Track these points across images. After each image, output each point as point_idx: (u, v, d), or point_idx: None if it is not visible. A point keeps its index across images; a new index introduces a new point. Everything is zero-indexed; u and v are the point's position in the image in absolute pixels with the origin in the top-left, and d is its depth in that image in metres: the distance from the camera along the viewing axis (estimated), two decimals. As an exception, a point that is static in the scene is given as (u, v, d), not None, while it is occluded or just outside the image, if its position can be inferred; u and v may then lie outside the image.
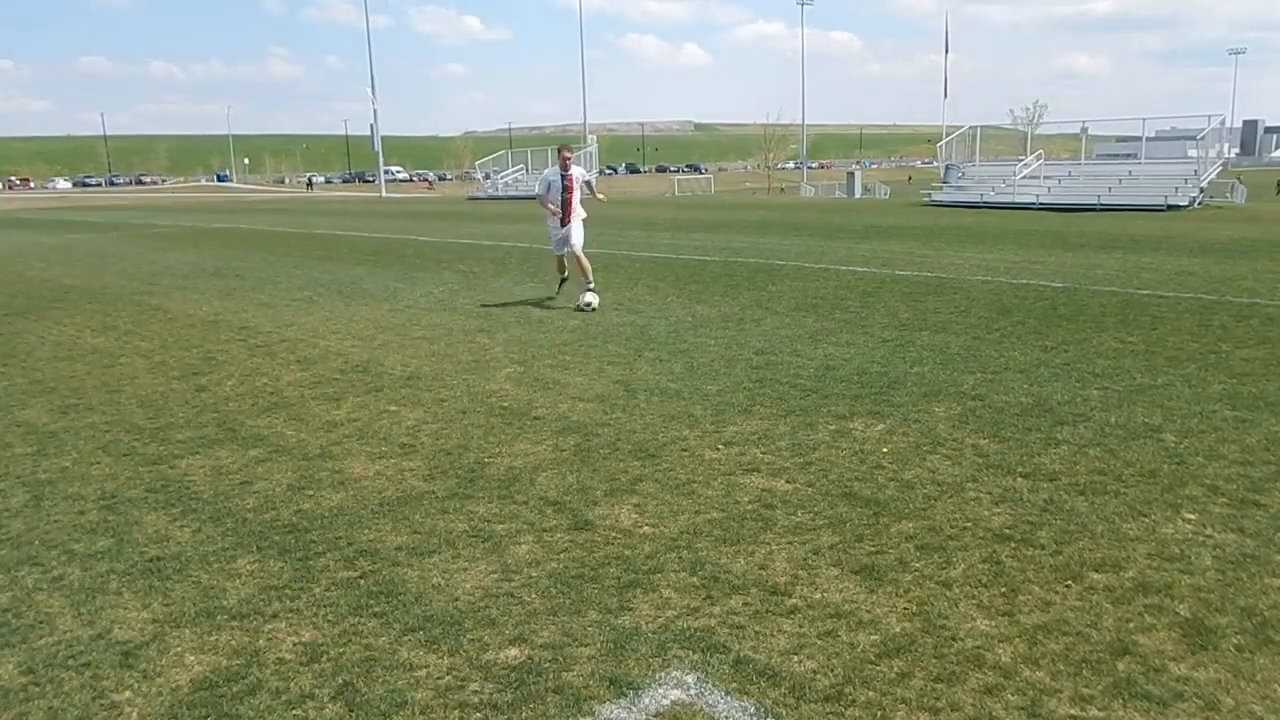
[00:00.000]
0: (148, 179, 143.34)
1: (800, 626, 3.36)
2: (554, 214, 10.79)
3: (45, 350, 9.14)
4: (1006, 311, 9.80)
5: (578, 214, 10.80)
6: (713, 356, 7.91)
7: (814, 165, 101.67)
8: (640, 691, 3.00)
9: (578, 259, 10.68)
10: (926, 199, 35.36)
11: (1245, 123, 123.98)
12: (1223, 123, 30.65)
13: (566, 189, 10.73)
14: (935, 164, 44.46)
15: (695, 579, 3.77)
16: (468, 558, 4.04)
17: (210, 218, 36.72)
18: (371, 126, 67.36)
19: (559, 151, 10.79)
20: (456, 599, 3.66)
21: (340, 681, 3.11)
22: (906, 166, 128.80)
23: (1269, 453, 5.09)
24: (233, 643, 3.38)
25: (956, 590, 3.60)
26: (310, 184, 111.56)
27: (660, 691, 2.99)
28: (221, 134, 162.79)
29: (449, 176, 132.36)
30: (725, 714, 2.87)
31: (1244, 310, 9.60)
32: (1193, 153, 30.33)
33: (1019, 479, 4.79)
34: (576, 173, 10.96)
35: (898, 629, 3.33)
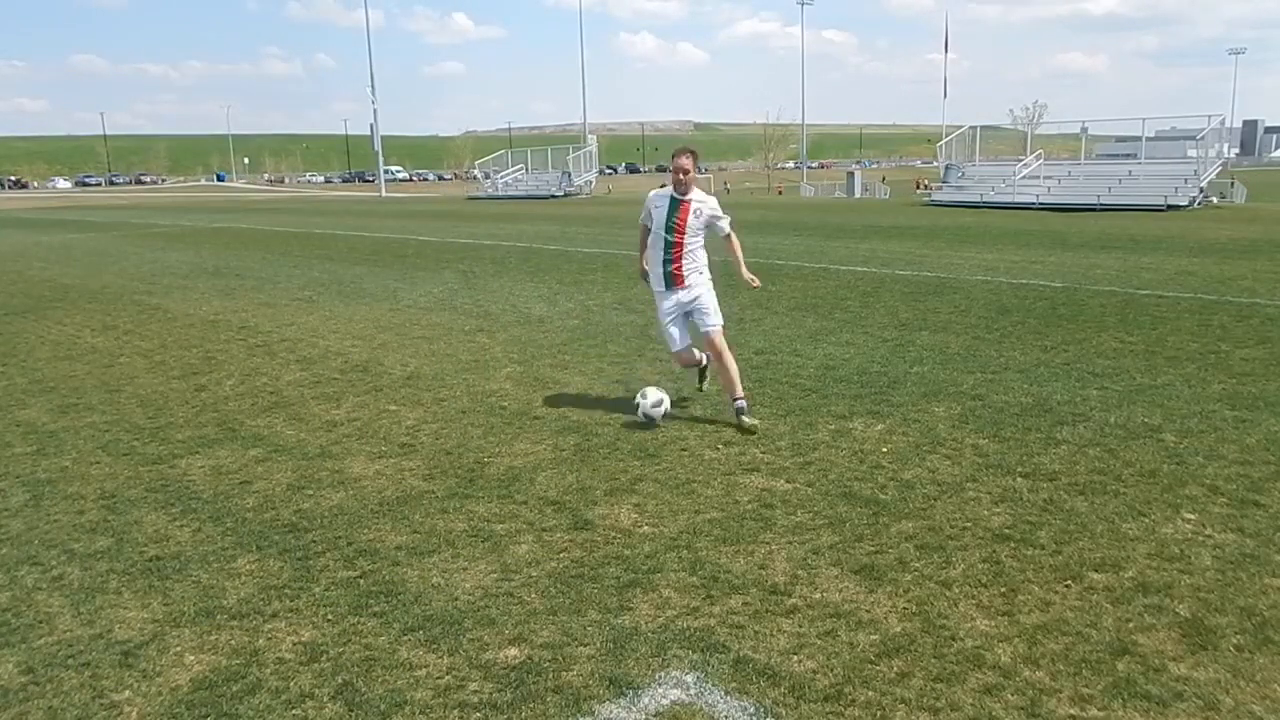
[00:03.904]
0: (147, 178, 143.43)
1: (800, 626, 3.36)
2: (648, 270, 6.17)
3: (45, 350, 9.14)
4: (1006, 311, 9.80)
5: (696, 267, 5.99)
6: (713, 356, 7.90)
7: (814, 165, 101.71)
8: (640, 691, 3.00)
9: (719, 352, 5.95)
10: (926, 199, 35.36)
11: (1245, 123, 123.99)
12: (1222, 123, 30.64)
13: (675, 227, 5.88)
14: (935, 164, 44.47)
15: (695, 579, 3.77)
16: (468, 557, 4.05)
17: (210, 217, 36.73)
18: (371, 126, 67.31)
19: (675, 156, 5.89)
20: (456, 599, 3.66)
21: (340, 681, 3.11)
22: (907, 166, 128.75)
23: (1269, 453, 5.09)
24: (232, 642, 3.38)
25: (956, 590, 3.60)
26: (328, 181, 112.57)
27: (660, 691, 2.99)
28: (220, 133, 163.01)
29: (448, 177, 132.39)
30: (725, 714, 2.87)
31: (1244, 310, 9.60)
32: (1192, 153, 30.30)
33: (1019, 479, 4.79)
34: (699, 200, 5.93)
35: (897, 629, 3.33)
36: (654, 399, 5.84)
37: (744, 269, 6.21)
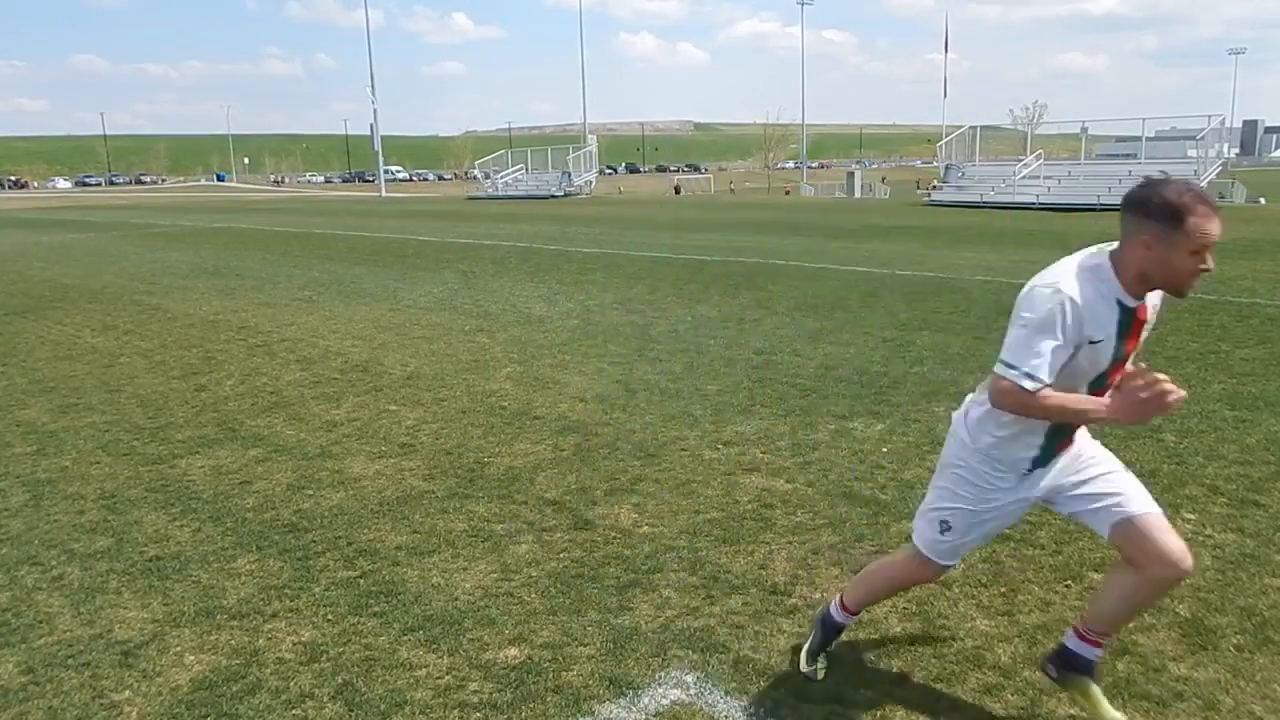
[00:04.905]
0: (147, 178, 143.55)
1: (800, 626, 3.36)
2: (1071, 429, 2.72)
3: (45, 350, 9.14)
4: (1006, 311, 9.73)
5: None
6: (713, 356, 7.91)
7: (814, 165, 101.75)
8: (640, 691, 3.00)
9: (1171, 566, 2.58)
10: (926, 199, 35.38)
11: (1245, 123, 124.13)
12: (1222, 123, 30.66)
13: (1118, 364, 2.63)
14: (935, 164, 44.50)
15: (695, 579, 3.77)
16: (468, 557, 4.05)
17: (210, 217, 36.73)
18: (371, 126, 67.30)
19: (1191, 213, 2.32)
20: (456, 599, 3.66)
21: (340, 681, 3.11)
22: (907, 166, 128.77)
23: (1269, 453, 5.09)
24: (232, 642, 3.38)
25: (956, 590, 3.60)
26: (328, 181, 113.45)
27: (660, 691, 2.99)
28: (220, 134, 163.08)
29: (448, 177, 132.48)
30: (725, 714, 2.87)
31: (1244, 310, 9.59)
32: (1192, 153, 30.34)
33: (1019, 479, 4.78)
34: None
35: (897, 629, 3.33)
36: None
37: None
